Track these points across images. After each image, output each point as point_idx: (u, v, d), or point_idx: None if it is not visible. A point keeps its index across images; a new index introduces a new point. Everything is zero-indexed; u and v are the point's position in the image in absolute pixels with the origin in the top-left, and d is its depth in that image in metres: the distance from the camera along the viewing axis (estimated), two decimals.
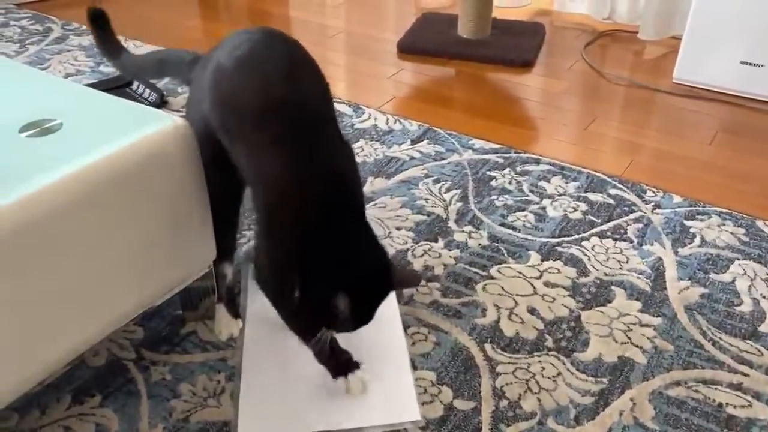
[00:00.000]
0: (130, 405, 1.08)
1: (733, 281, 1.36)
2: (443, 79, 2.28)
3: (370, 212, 1.55)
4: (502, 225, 1.52)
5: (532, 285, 1.34)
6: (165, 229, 1.03)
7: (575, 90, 2.20)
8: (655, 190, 1.64)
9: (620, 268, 1.39)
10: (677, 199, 1.61)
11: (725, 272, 1.38)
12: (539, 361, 1.17)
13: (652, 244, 1.46)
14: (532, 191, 1.64)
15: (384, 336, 1.20)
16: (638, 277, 1.36)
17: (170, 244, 1.05)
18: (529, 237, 1.48)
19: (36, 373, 0.93)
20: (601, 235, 1.49)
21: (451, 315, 1.27)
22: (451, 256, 1.42)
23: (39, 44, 2.43)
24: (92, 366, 1.15)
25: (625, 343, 1.21)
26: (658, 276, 1.37)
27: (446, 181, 1.67)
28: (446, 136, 1.87)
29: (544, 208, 1.57)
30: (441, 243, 1.46)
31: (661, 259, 1.42)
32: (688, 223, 1.53)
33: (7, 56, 2.29)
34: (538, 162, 1.76)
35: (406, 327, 1.23)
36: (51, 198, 0.86)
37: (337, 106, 2.03)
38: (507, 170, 1.72)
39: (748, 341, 1.22)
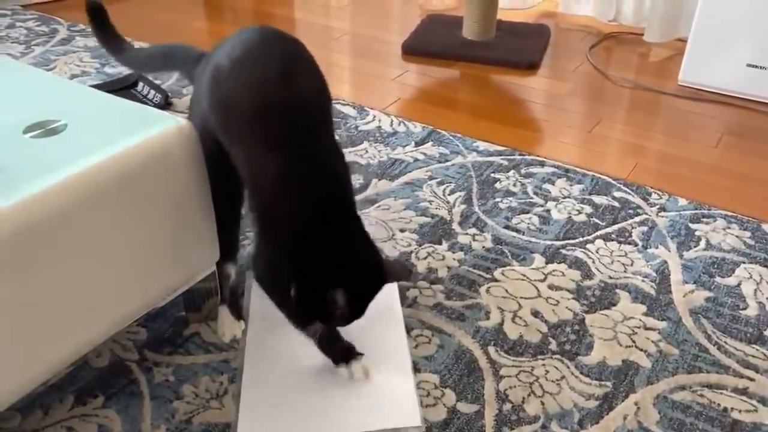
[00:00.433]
0: (133, 406, 1.08)
1: (739, 285, 1.35)
2: (448, 80, 2.28)
3: (374, 214, 1.55)
4: (506, 227, 1.51)
5: (536, 288, 1.34)
6: (169, 230, 1.03)
7: (580, 92, 2.19)
8: (660, 192, 1.64)
9: (625, 272, 1.38)
10: (682, 202, 1.60)
11: (731, 276, 1.37)
12: (543, 365, 1.16)
13: (657, 247, 1.45)
14: (536, 193, 1.63)
15: (386, 338, 1.20)
16: (643, 281, 1.36)
17: (174, 245, 1.05)
18: (534, 239, 1.47)
19: (39, 373, 0.93)
20: (606, 238, 1.48)
21: (455, 317, 1.26)
22: (454, 259, 1.41)
23: (45, 45, 2.43)
24: (95, 367, 1.15)
25: (630, 346, 1.20)
26: (663, 279, 1.36)
27: (450, 183, 1.67)
28: (450, 138, 1.87)
29: (548, 211, 1.57)
30: (445, 245, 1.45)
31: (666, 262, 1.41)
32: (693, 226, 1.52)
33: (12, 57, 2.29)
34: (542, 164, 1.75)
35: (409, 329, 1.23)
36: (55, 199, 0.86)
37: (342, 108, 2.03)
38: (511, 172, 1.71)
39: (754, 345, 1.21)
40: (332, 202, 1.01)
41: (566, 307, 1.29)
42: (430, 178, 1.69)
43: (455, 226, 1.51)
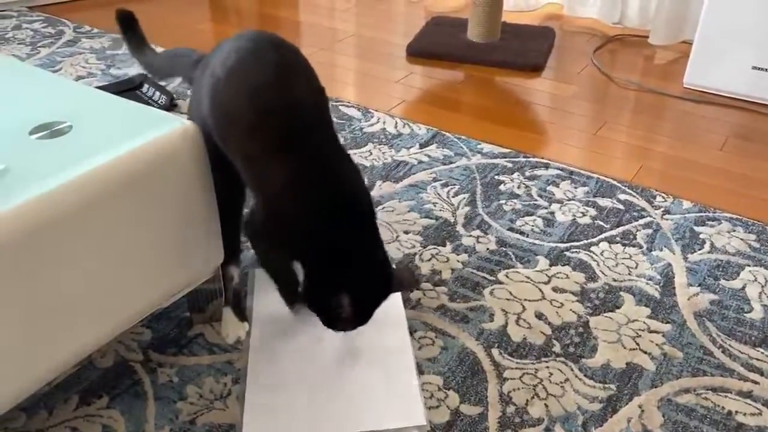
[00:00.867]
0: (137, 407, 1.09)
1: (744, 288, 1.35)
2: (452, 83, 2.28)
3: (378, 216, 1.55)
4: (510, 229, 1.51)
5: (540, 290, 1.34)
6: (173, 231, 1.04)
7: (585, 94, 2.19)
8: (664, 195, 1.63)
9: (629, 274, 1.38)
10: (687, 204, 1.60)
11: (735, 279, 1.37)
12: (547, 367, 1.16)
13: (661, 250, 1.45)
14: (540, 196, 1.63)
15: (390, 340, 1.20)
16: (647, 283, 1.35)
17: (178, 246, 1.06)
18: (538, 242, 1.47)
19: (44, 373, 0.93)
20: (610, 241, 1.48)
21: (459, 319, 1.26)
22: (458, 261, 1.41)
23: (51, 47, 2.44)
24: (99, 367, 1.16)
25: (634, 349, 1.20)
26: (667, 282, 1.36)
27: (454, 185, 1.67)
28: (455, 140, 1.87)
29: (552, 213, 1.57)
30: (449, 247, 1.45)
31: (670, 265, 1.41)
32: (697, 228, 1.52)
33: (19, 59, 2.30)
34: (547, 166, 1.75)
35: (412, 331, 1.23)
36: (60, 200, 0.86)
37: (346, 110, 2.03)
38: (516, 174, 1.71)
39: (759, 348, 1.21)
40: (342, 203, 1.01)
41: (570, 310, 1.29)
42: (435, 180, 1.69)
43: (459, 228, 1.51)
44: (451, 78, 2.30)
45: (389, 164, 1.75)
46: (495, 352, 1.19)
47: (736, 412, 1.09)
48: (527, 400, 1.10)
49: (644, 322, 1.26)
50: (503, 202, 1.61)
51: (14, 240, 0.82)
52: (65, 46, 2.45)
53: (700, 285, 1.35)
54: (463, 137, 1.88)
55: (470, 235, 1.49)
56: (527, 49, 2.42)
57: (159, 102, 1.97)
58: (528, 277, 1.37)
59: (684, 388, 1.13)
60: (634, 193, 1.64)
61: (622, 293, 1.33)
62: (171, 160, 0.99)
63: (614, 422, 1.07)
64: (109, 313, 0.99)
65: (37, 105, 1.06)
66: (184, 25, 2.72)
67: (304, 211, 1.00)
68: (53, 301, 0.89)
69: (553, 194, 1.64)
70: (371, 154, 1.80)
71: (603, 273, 1.38)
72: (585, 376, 1.15)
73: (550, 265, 1.40)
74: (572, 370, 1.16)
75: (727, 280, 1.37)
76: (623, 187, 1.66)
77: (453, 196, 1.62)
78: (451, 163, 1.76)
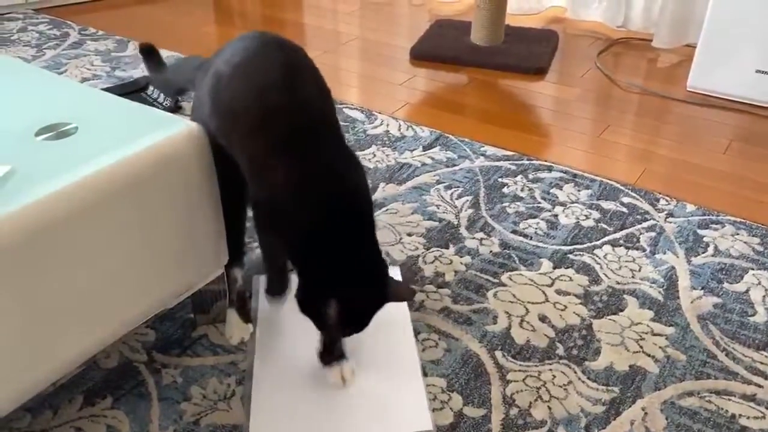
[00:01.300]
0: (141, 407, 1.09)
1: (747, 291, 1.35)
2: (456, 85, 2.28)
3: (382, 218, 1.55)
4: (514, 232, 1.51)
5: (543, 293, 1.34)
6: (178, 232, 1.04)
7: (588, 97, 2.19)
8: (668, 198, 1.63)
9: (632, 277, 1.38)
10: (690, 207, 1.60)
11: (739, 282, 1.37)
12: (550, 369, 1.16)
13: (664, 253, 1.45)
14: (544, 198, 1.63)
15: (394, 342, 1.20)
16: (651, 286, 1.35)
17: (183, 247, 1.06)
18: (541, 244, 1.47)
19: (48, 374, 0.94)
20: (614, 244, 1.48)
21: (462, 322, 1.26)
22: (462, 263, 1.42)
23: (56, 49, 2.45)
24: (104, 368, 1.16)
25: (637, 352, 1.20)
26: (670, 285, 1.36)
27: (458, 187, 1.67)
28: (458, 142, 1.87)
29: (556, 216, 1.57)
30: (452, 249, 1.46)
31: (673, 268, 1.41)
32: (701, 232, 1.52)
33: (24, 61, 2.31)
34: (550, 169, 1.75)
35: (416, 333, 1.23)
36: (65, 201, 0.87)
37: (350, 112, 2.03)
38: (519, 177, 1.71)
39: (762, 352, 1.21)
40: (341, 208, 1.00)
41: (574, 312, 1.29)
42: (438, 182, 1.69)
43: (462, 231, 1.51)
44: (454, 81, 2.31)
45: (392, 166, 1.76)
46: (498, 354, 1.19)
47: (740, 415, 1.09)
48: (530, 403, 1.10)
49: (647, 325, 1.26)
50: (506, 204, 1.61)
51: (21, 240, 0.82)
52: (70, 48, 2.46)
53: (703, 288, 1.35)
54: (466, 140, 1.88)
55: (473, 238, 1.49)
56: (531, 52, 2.42)
57: (164, 104, 1.98)
58: (531, 280, 1.37)
59: (687, 391, 1.13)
60: (638, 196, 1.64)
61: (625, 296, 1.33)
62: (176, 162, 0.99)
63: (617, 425, 1.07)
64: (114, 313, 0.99)
65: (43, 106, 1.07)
66: (189, 28, 2.73)
67: (302, 212, 0.99)
68: (59, 301, 0.89)
69: (557, 197, 1.64)
70: (374, 156, 1.80)
71: (606, 276, 1.38)
72: (588, 378, 1.15)
73: (554, 268, 1.40)
74: (575, 372, 1.16)
75: (731, 283, 1.37)
76: (626, 190, 1.66)
77: (456, 199, 1.63)
78: (455, 165, 1.77)
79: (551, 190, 1.66)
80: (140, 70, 2.22)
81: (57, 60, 2.36)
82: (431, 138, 1.89)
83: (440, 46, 2.48)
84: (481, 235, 1.50)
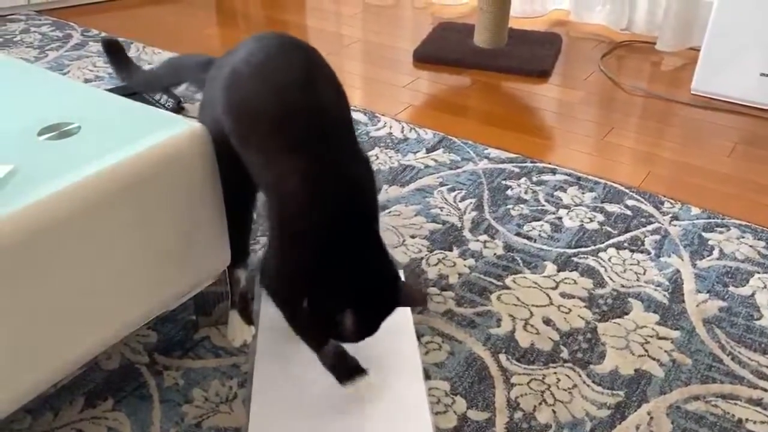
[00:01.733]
0: (143, 409, 1.08)
1: (753, 295, 1.34)
2: (459, 88, 2.28)
3: (385, 220, 1.54)
4: (518, 235, 1.50)
5: (547, 295, 1.33)
6: (180, 233, 1.03)
7: (592, 100, 2.19)
8: (673, 201, 1.63)
9: (637, 280, 1.37)
10: (695, 210, 1.59)
11: (744, 285, 1.36)
12: (555, 373, 1.15)
13: (669, 256, 1.44)
14: (548, 201, 1.62)
15: (397, 345, 1.19)
16: (656, 290, 1.35)
17: (185, 248, 1.05)
18: (545, 247, 1.47)
19: (49, 375, 0.93)
20: (618, 247, 1.47)
21: (466, 324, 1.25)
22: (465, 265, 1.41)
23: (59, 50, 2.45)
24: (105, 369, 1.15)
25: (642, 355, 1.19)
26: (675, 288, 1.35)
27: (461, 189, 1.67)
28: (462, 144, 1.86)
29: (560, 219, 1.56)
30: (456, 252, 1.45)
31: (678, 271, 1.40)
32: (706, 235, 1.51)
33: (27, 62, 2.31)
34: (554, 172, 1.74)
35: (419, 336, 1.22)
36: (67, 201, 0.86)
37: (353, 115, 2.02)
38: (523, 180, 1.71)
39: None
40: (354, 214, 0.99)
41: (578, 316, 1.28)
42: (441, 184, 1.69)
43: (466, 233, 1.51)
44: (457, 83, 2.30)
45: (396, 168, 1.75)
46: (502, 357, 1.18)
47: (746, 419, 1.08)
48: (535, 406, 1.09)
49: (653, 329, 1.25)
50: (510, 207, 1.60)
51: (23, 240, 0.82)
52: (73, 50, 2.46)
53: (708, 292, 1.34)
54: (469, 142, 1.87)
55: (477, 240, 1.48)
56: (534, 54, 2.42)
57: (166, 105, 1.98)
58: (535, 283, 1.36)
59: (693, 395, 1.12)
60: (642, 199, 1.63)
61: (630, 299, 1.32)
62: (179, 162, 0.99)
63: (623, 429, 1.06)
64: (116, 314, 0.98)
65: (46, 106, 1.06)
66: (192, 29, 2.73)
67: (316, 215, 0.98)
68: (60, 301, 0.89)
69: (561, 199, 1.63)
70: (378, 158, 1.80)
71: (611, 279, 1.37)
72: (593, 382, 1.14)
73: (558, 271, 1.39)
74: (580, 376, 1.15)
75: (736, 287, 1.36)
76: (631, 193, 1.65)
77: (460, 201, 1.62)
78: (458, 167, 1.76)
79: (555, 193, 1.66)
80: None
81: (59, 61, 2.36)
82: (434, 140, 1.89)
83: (443, 49, 2.48)
84: (484, 237, 1.49)
